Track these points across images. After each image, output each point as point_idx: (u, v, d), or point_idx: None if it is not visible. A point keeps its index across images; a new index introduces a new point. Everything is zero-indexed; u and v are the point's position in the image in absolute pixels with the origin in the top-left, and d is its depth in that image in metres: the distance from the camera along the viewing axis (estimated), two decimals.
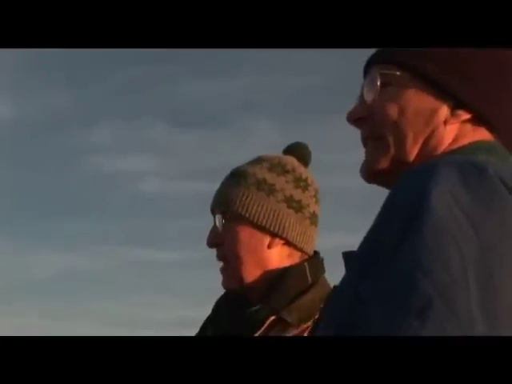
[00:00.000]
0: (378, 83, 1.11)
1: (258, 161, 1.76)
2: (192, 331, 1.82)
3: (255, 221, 1.68)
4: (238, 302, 1.70)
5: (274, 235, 1.69)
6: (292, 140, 1.88)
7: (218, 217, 1.70)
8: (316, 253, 1.76)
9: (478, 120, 1.09)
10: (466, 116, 1.09)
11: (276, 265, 1.70)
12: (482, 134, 1.09)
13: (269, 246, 1.70)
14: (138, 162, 8.41)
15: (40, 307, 8.12)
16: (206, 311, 1.81)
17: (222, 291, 1.80)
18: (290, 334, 1.60)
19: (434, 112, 1.09)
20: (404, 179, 0.94)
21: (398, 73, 1.11)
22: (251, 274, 1.68)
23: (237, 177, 1.72)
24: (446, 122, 1.08)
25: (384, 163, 1.10)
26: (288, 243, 1.71)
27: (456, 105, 1.09)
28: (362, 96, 1.15)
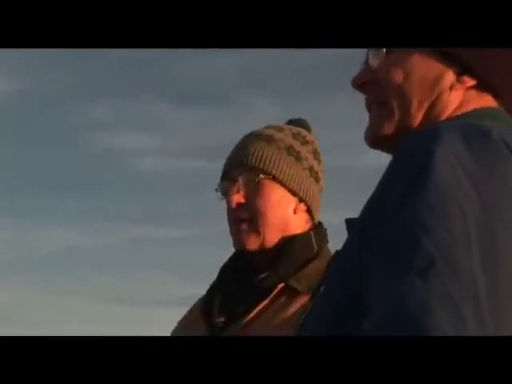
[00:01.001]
0: (384, 48, 1.10)
1: (278, 128, 1.77)
2: (187, 307, 1.83)
3: (287, 183, 1.69)
4: (245, 268, 1.70)
5: (300, 201, 1.71)
6: (292, 117, 1.89)
7: (245, 176, 1.68)
8: (320, 223, 1.78)
9: (483, 86, 1.09)
10: (472, 82, 1.08)
11: (294, 231, 1.70)
12: (487, 101, 1.09)
13: (294, 211, 1.71)
14: (138, 140, 8.41)
15: (40, 283, 8.18)
16: (205, 288, 1.80)
17: (219, 267, 1.78)
18: (299, 302, 1.60)
19: (439, 78, 1.08)
20: (407, 143, 0.94)
21: None
22: (272, 234, 1.68)
23: (265, 139, 1.71)
24: (451, 88, 1.08)
25: (388, 128, 1.10)
26: (308, 211, 1.73)
27: (462, 71, 1.08)
28: (366, 61, 1.14)
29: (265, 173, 1.68)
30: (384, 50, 1.10)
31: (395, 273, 0.82)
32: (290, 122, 1.84)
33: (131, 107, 7.93)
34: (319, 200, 1.78)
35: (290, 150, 1.71)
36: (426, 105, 1.08)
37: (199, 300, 1.79)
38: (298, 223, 1.72)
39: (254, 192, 1.68)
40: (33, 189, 8.28)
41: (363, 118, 1.15)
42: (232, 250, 1.77)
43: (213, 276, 1.79)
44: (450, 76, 1.08)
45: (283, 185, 1.69)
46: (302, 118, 1.87)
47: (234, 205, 1.67)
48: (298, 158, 1.72)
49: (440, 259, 0.80)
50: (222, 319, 1.66)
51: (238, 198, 1.68)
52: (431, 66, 1.08)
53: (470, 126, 0.93)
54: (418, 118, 1.08)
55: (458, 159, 0.87)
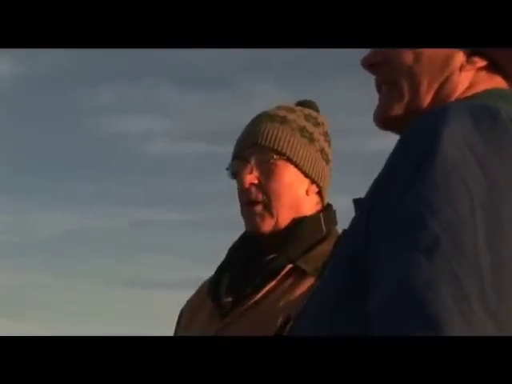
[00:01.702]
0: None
1: (289, 109, 1.75)
2: (190, 289, 1.84)
3: (301, 165, 1.69)
4: (254, 249, 1.70)
5: (312, 182, 1.71)
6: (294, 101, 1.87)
7: (258, 156, 1.67)
8: (329, 204, 1.77)
9: (493, 67, 1.08)
10: (482, 63, 1.07)
11: (308, 212, 1.70)
12: (497, 82, 1.08)
13: (307, 193, 1.71)
14: (141, 123, 8.43)
15: (41, 265, 8.27)
16: (207, 271, 1.81)
17: (222, 251, 1.79)
18: (307, 283, 1.60)
19: (449, 58, 1.07)
20: (415, 123, 0.93)
21: None
22: (284, 215, 1.67)
23: (278, 120, 1.70)
24: (461, 69, 1.07)
25: (398, 109, 1.09)
26: (319, 192, 1.73)
27: (472, 51, 1.07)
28: None
29: (279, 153, 1.67)
30: None
31: (401, 252, 0.83)
32: (299, 104, 1.82)
33: (134, 91, 7.98)
34: (329, 182, 1.78)
35: (303, 131, 1.70)
36: (435, 85, 1.07)
37: (207, 280, 1.79)
38: (310, 205, 1.72)
39: (267, 173, 1.67)
40: (35, 172, 8.29)
41: (368, 103, 1.15)
42: (235, 233, 1.78)
43: (215, 259, 1.80)
44: (460, 57, 1.07)
45: (297, 166, 1.68)
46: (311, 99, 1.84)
47: (247, 185, 1.66)
48: (311, 140, 1.71)
49: (445, 238, 0.81)
50: (229, 299, 1.65)
51: (251, 178, 1.66)
52: None
53: (478, 106, 0.92)
54: (427, 98, 1.08)
55: (466, 140, 0.87)
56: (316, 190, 1.72)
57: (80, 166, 8.56)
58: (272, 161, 1.66)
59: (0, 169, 8.13)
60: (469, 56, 1.07)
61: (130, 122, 8.36)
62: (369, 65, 1.13)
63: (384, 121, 1.11)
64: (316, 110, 1.81)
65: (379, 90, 1.13)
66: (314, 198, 1.73)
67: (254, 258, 1.69)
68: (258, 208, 1.66)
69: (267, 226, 1.66)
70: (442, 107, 0.94)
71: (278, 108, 1.76)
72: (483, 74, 1.08)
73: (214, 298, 1.68)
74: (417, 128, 0.92)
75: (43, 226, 8.79)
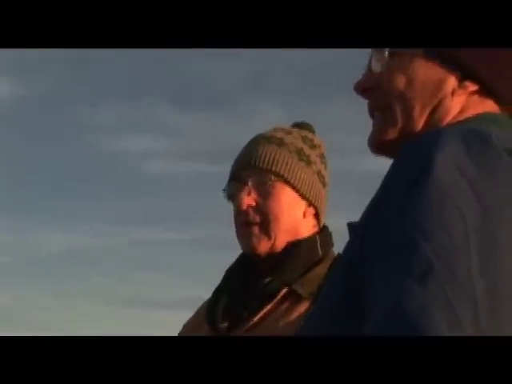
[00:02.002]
0: (386, 54, 1.10)
1: (287, 131, 1.76)
2: (190, 309, 1.84)
3: (298, 187, 1.68)
4: (249, 272, 1.69)
5: (309, 205, 1.70)
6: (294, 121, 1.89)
7: (255, 178, 1.66)
8: (325, 227, 1.77)
9: (484, 92, 1.09)
10: (473, 87, 1.08)
11: (304, 234, 1.70)
12: (489, 106, 1.09)
13: (304, 215, 1.70)
14: (141, 142, 8.44)
15: (41, 284, 8.23)
16: (207, 290, 1.80)
17: (221, 270, 1.79)
18: (303, 307, 1.59)
19: (441, 83, 1.08)
20: (408, 147, 0.94)
21: None
22: (282, 238, 1.66)
23: (276, 142, 1.71)
24: (453, 93, 1.08)
25: (391, 134, 1.10)
26: (316, 215, 1.73)
27: (463, 76, 1.08)
28: (369, 66, 1.14)
29: (276, 175, 1.67)
30: (386, 54, 1.10)
31: (395, 276, 0.83)
32: (296, 126, 1.83)
33: (134, 110, 8.02)
34: (326, 204, 1.78)
35: (300, 153, 1.71)
36: (428, 110, 1.08)
37: (205, 303, 1.78)
38: (307, 227, 1.72)
39: (265, 195, 1.66)
40: (35, 190, 8.33)
41: (364, 123, 1.15)
42: (233, 253, 1.77)
43: (213, 278, 1.79)
44: (451, 81, 1.08)
45: (294, 188, 1.68)
46: (307, 121, 1.85)
47: (244, 207, 1.66)
48: (308, 162, 1.71)
49: (438, 264, 0.81)
50: (225, 324, 1.65)
51: (248, 200, 1.66)
52: (433, 71, 1.08)
53: (469, 131, 0.93)
54: (420, 123, 1.08)
55: (458, 164, 0.87)
56: (313, 212, 1.72)
57: (80, 185, 8.59)
58: (270, 183, 1.66)
59: (0, 188, 8.00)
60: (460, 80, 1.07)
61: (129, 140, 8.39)
62: (362, 90, 1.14)
63: (378, 146, 1.12)
64: (312, 131, 1.82)
65: (372, 114, 1.14)
66: (311, 221, 1.73)
67: (250, 280, 1.68)
68: (255, 229, 1.66)
69: (264, 247, 1.66)
70: (434, 131, 0.95)
71: (275, 130, 1.76)
72: (475, 98, 1.09)
73: (210, 323, 1.68)
74: (409, 152, 0.93)
75: (43, 245, 8.83)
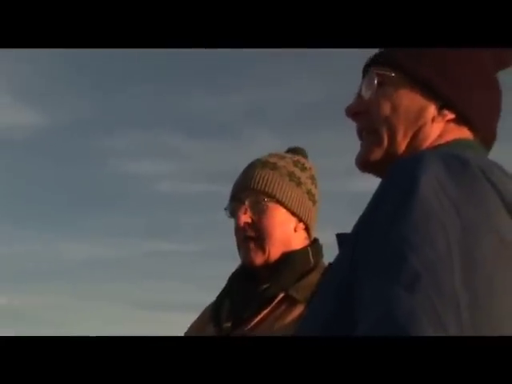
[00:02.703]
0: (375, 82, 1.14)
1: (280, 156, 1.83)
2: (192, 312, 1.88)
3: (288, 206, 1.75)
4: (249, 279, 1.75)
5: (300, 220, 1.77)
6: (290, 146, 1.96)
7: (251, 199, 1.73)
8: (316, 239, 1.84)
9: (460, 120, 1.12)
10: (451, 116, 1.11)
11: (296, 246, 1.76)
12: (464, 133, 1.12)
13: (295, 230, 1.77)
14: (153, 166, 8.78)
15: (63, 289, 8.51)
16: (208, 295, 1.87)
17: (221, 278, 1.85)
18: (298, 310, 1.64)
19: (423, 110, 1.11)
20: (394, 168, 0.96)
21: (393, 74, 1.14)
22: (275, 251, 1.73)
23: (270, 167, 1.78)
24: (433, 120, 1.11)
25: (377, 154, 1.12)
26: (306, 229, 1.79)
27: (443, 105, 1.11)
28: (359, 93, 1.18)
29: (270, 196, 1.74)
30: (376, 83, 1.14)
31: (384, 286, 0.83)
32: (290, 150, 1.91)
33: (147, 137, 8.35)
34: (316, 219, 1.84)
35: (291, 176, 1.78)
36: (410, 134, 1.11)
37: (210, 305, 1.84)
38: (298, 240, 1.79)
39: (259, 213, 1.74)
40: (59, 208, 8.43)
41: (350, 150, 1.19)
42: (233, 263, 1.84)
43: (213, 285, 1.89)
44: (432, 110, 1.11)
45: (285, 207, 1.75)
46: (300, 146, 1.93)
47: (241, 224, 1.73)
48: (299, 183, 1.78)
49: (425, 274, 0.81)
50: (229, 324, 1.70)
51: (245, 218, 1.74)
52: (416, 100, 1.11)
53: (450, 155, 0.94)
54: (403, 145, 1.11)
55: (441, 184, 0.88)
56: (303, 226, 1.80)
57: (97, 203, 8.97)
58: (264, 202, 1.74)
59: (29, 207, 8.54)
60: (439, 109, 1.11)
61: (141, 164, 8.75)
62: (352, 114, 1.17)
63: (365, 164, 1.15)
64: (304, 155, 1.90)
65: (360, 136, 1.17)
66: (302, 234, 1.81)
67: (250, 286, 1.74)
68: (252, 244, 1.73)
69: (259, 259, 1.73)
70: (417, 154, 0.97)
71: (270, 155, 1.84)
72: (452, 125, 1.11)
73: (215, 323, 1.73)
74: (397, 172, 0.95)
75: (65, 254, 9.23)
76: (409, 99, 1.10)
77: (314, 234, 1.84)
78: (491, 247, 0.84)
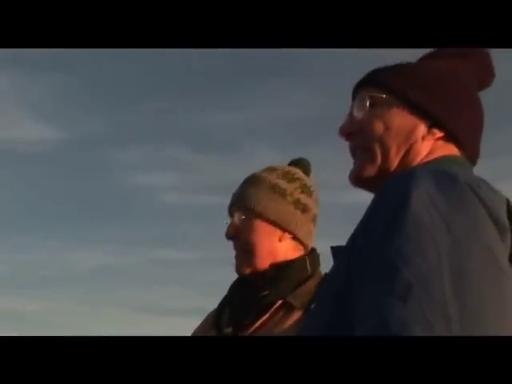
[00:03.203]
0: (367, 103, 1.15)
1: (271, 169, 1.82)
2: (197, 316, 2.00)
3: (270, 218, 1.72)
4: (249, 287, 1.74)
5: (284, 231, 1.74)
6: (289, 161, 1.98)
7: (238, 214, 1.74)
8: (313, 249, 1.83)
9: (449, 137, 1.13)
10: (440, 134, 1.13)
11: (283, 256, 1.75)
12: (452, 150, 1.14)
13: (279, 240, 1.74)
14: (161, 178, 8.87)
15: (77, 294, 8.58)
16: (211, 301, 1.88)
17: (229, 284, 1.84)
18: (295, 316, 1.63)
19: (414, 129, 1.12)
20: (387, 183, 0.97)
21: (384, 95, 1.14)
22: (263, 262, 1.72)
23: (254, 181, 1.77)
24: (423, 138, 1.12)
25: (370, 171, 1.13)
26: (294, 238, 1.76)
27: (432, 124, 1.12)
28: (351, 113, 1.18)
29: (251, 210, 1.73)
30: (368, 104, 1.14)
31: (379, 297, 0.83)
32: (292, 163, 1.89)
33: (154, 152, 8.51)
34: (310, 227, 1.81)
35: (274, 187, 1.75)
36: (402, 151, 1.12)
37: (212, 312, 1.84)
38: (285, 249, 1.76)
39: (244, 227, 1.74)
40: (72, 218, 8.73)
41: (344, 165, 1.20)
42: (231, 271, 1.81)
43: (218, 291, 1.85)
44: (422, 128, 1.13)
45: (267, 219, 1.73)
46: (304, 157, 1.92)
47: (228, 237, 1.75)
48: (283, 195, 1.75)
49: (416, 285, 0.82)
50: (229, 329, 1.69)
51: (233, 232, 1.74)
52: (407, 119, 1.13)
53: (440, 171, 0.95)
54: (395, 162, 1.12)
55: (431, 199, 0.89)
56: (289, 236, 1.77)
57: (108, 213, 9.08)
58: (248, 217, 1.74)
59: (45, 217, 8.63)
60: (429, 128, 1.12)
61: (150, 176, 8.86)
62: (346, 134, 1.18)
63: (358, 180, 1.16)
64: (306, 165, 1.87)
65: (353, 154, 1.18)
66: (290, 243, 1.78)
67: (249, 294, 1.73)
68: (239, 256, 1.74)
69: (247, 270, 1.73)
70: (409, 171, 0.97)
71: (264, 169, 1.83)
72: (440, 142, 1.13)
73: (216, 329, 1.73)
74: (389, 187, 0.95)
75: (79, 262, 9.34)
76: (400, 119, 1.11)
77: (312, 242, 1.81)
78: (479, 257, 0.85)
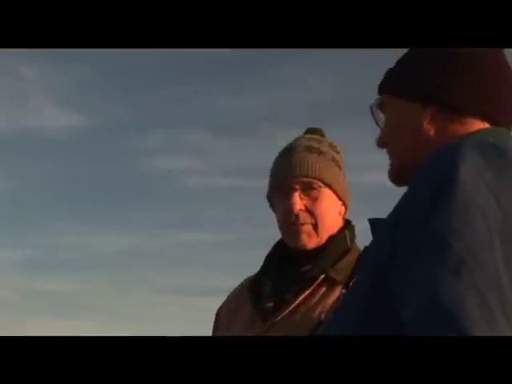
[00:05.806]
0: (380, 110, 1.15)
1: (317, 140, 1.73)
2: (222, 296, 1.80)
3: (337, 191, 1.68)
4: (289, 260, 1.67)
5: (343, 204, 1.71)
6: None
7: (303, 184, 1.63)
8: (349, 221, 1.78)
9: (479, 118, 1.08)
10: (446, 115, 1.08)
11: (339, 229, 1.70)
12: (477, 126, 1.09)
13: (339, 213, 1.71)
14: (183, 162, 8.99)
15: (104, 276, 8.77)
16: (236, 282, 1.81)
17: (252, 266, 1.77)
18: (337, 291, 1.59)
19: (416, 117, 1.08)
20: (433, 156, 0.95)
21: (388, 96, 1.13)
22: (327, 235, 1.66)
23: (315, 152, 1.68)
24: (430, 121, 1.08)
25: (399, 168, 1.12)
26: (345, 212, 1.73)
27: (438, 108, 1.08)
28: (379, 125, 1.17)
29: (322, 181, 1.66)
30: (380, 111, 1.14)
31: (431, 270, 0.82)
32: (308, 131, 1.80)
33: (177, 136, 8.62)
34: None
35: (334, 160, 1.71)
36: (419, 141, 1.08)
37: (244, 285, 1.77)
38: (341, 223, 1.73)
39: (313, 199, 1.66)
40: (98, 202, 8.94)
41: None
42: (256, 252, 1.88)
43: (243, 271, 1.82)
44: (424, 114, 1.08)
45: (334, 192, 1.68)
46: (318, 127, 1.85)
47: (296, 210, 1.64)
48: (340, 168, 1.72)
49: (468, 258, 0.81)
50: (271, 304, 1.63)
51: (299, 204, 1.64)
52: (408, 110, 1.09)
53: (487, 143, 0.93)
54: (416, 153, 1.07)
55: (479, 172, 0.88)
56: (344, 210, 1.74)
57: (135, 197, 9.22)
58: (316, 188, 1.66)
59: (71, 200, 8.80)
60: (436, 110, 1.07)
61: (174, 160, 8.98)
62: (381, 145, 1.17)
63: (394, 179, 1.14)
64: (323, 135, 1.79)
65: (390, 156, 1.16)
66: (343, 217, 1.75)
67: (289, 267, 1.67)
68: (306, 228, 1.65)
69: (313, 243, 1.66)
70: (455, 143, 0.95)
71: (308, 140, 1.75)
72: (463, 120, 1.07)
73: (255, 302, 1.67)
74: (436, 159, 0.94)
75: (104, 244, 9.38)
76: (402, 112, 1.09)
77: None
78: None
